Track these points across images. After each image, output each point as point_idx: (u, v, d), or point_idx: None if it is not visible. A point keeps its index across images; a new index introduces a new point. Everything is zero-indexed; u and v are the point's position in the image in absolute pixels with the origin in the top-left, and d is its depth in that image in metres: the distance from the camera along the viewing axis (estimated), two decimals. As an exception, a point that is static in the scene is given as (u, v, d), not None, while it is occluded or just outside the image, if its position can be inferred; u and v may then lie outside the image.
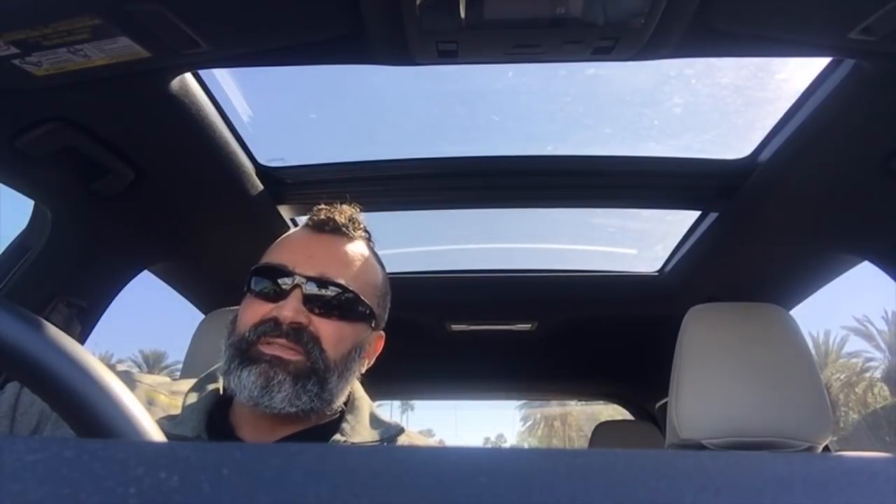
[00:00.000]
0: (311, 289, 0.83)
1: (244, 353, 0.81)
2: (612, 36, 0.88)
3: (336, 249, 0.88)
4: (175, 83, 1.04)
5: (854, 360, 28.70)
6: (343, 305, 0.85)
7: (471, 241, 2.12)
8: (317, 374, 0.81)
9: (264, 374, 0.79)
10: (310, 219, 0.92)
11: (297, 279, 0.83)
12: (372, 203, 1.58)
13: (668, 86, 1.53)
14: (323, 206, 0.92)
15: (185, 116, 1.10)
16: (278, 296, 0.83)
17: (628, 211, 1.77)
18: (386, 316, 0.96)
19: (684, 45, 0.92)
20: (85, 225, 1.26)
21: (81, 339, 1.35)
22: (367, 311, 0.88)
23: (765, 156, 1.28)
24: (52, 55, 0.85)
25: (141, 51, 0.87)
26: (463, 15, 0.83)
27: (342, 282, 0.85)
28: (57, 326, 0.38)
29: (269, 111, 1.51)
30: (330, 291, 0.84)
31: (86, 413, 0.36)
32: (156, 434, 0.38)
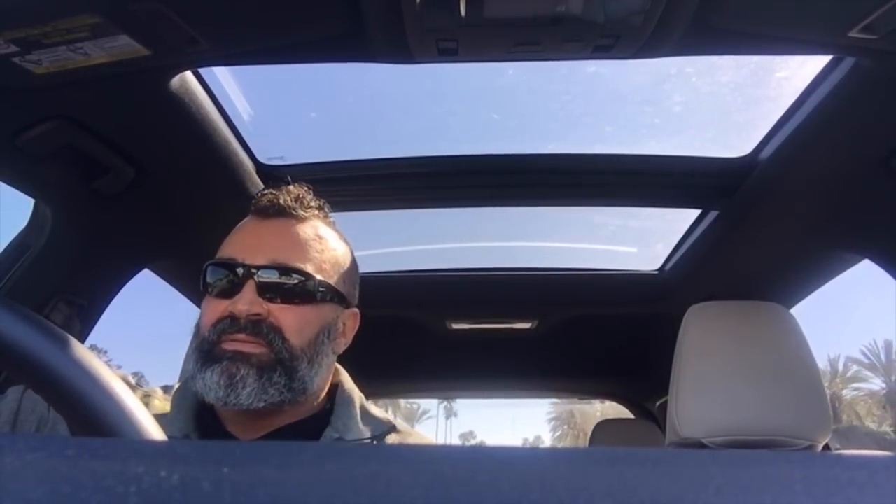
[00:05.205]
0: (265, 277, 0.80)
1: (207, 353, 0.79)
2: (613, 34, 0.88)
3: (285, 233, 0.84)
4: (175, 81, 1.04)
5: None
6: (301, 290, 0.81)
7: (471, 240, 2.11)
8: (282, 364, 0.78)
9: (227, 372, 0.76)
10: (253, 205, 0.88)
11: (249, 270, 0.80)
12: (372, 201, 1.58)
13: (668, 84, 1.53)
14: (267, 190, 0.89)
15: (185, 115, 1.10)
16: (233, 290, 0.80)
17: (629, 209, 1.77)
18: (356, 292, 0.92)
19: (684, 44, 0.92)
20: (85, 223, 1.26)
21: (81, 338, 1.35)
22: (329, 291, 0.84)
23: (765, 154, 1.28)
24: (52, 53, 0.85)
25: (141, 49, 0.87)
26: (463, 13, 0.83)
27: (296, 265, 0.81)
28: (57, 325, 0.38)
29: (269, 109, 1.50)
30: (284, 277, 0.81)
31: (86, 411, 0.36)
32: (156, 433, 0.38)
